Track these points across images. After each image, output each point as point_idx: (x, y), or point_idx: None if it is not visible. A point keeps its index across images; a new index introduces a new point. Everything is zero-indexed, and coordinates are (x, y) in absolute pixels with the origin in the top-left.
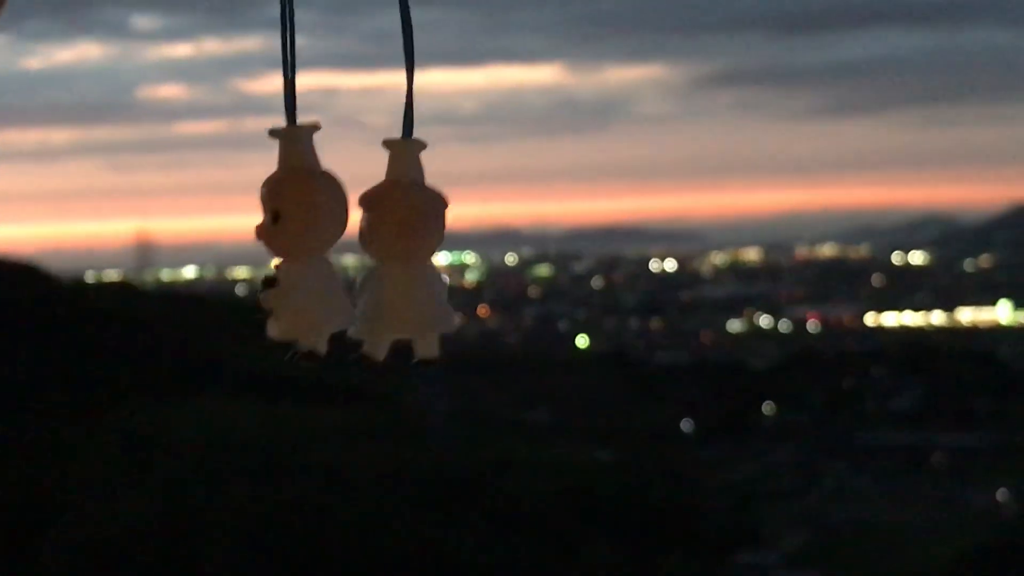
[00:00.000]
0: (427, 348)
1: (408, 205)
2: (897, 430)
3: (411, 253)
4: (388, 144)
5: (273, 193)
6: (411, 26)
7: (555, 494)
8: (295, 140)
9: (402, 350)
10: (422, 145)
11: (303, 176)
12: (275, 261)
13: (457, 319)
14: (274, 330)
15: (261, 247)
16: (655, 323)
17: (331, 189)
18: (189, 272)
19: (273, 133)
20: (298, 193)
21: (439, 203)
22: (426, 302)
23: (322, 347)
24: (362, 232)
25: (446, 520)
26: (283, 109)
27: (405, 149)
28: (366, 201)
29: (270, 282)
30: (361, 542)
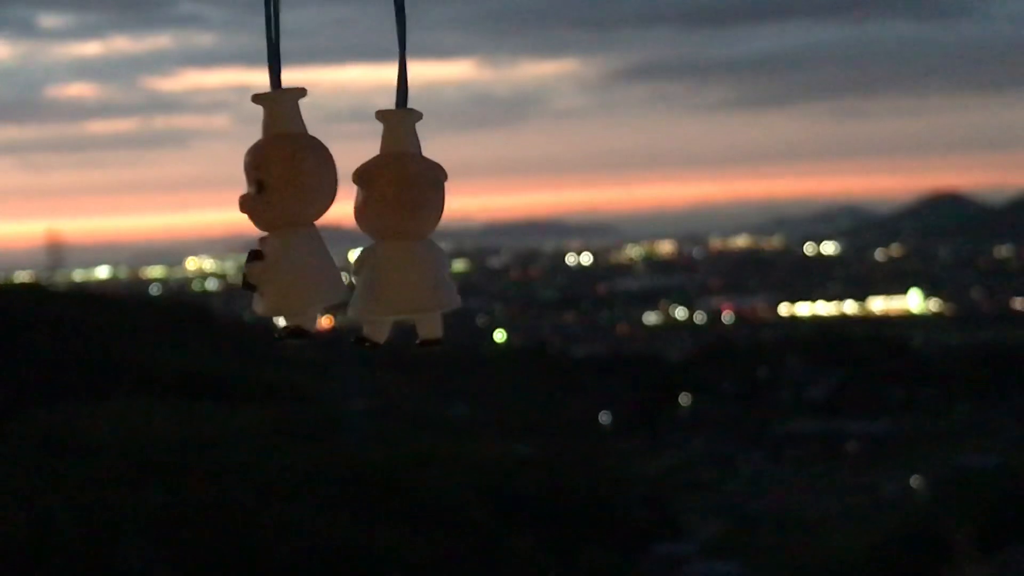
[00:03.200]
0: (430, 328)
1: (403, 179)
2: (812, 419)
3: (408, 229)
4: (381, 115)
5: (256, 161)
6: None
7: (474, 489)
8: (279, 105)
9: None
10: (417, 115)
11: (288, 142)
12: (261, 234)
13: (458, 297)
14: (260, 306)
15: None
16: (572, 316)
17: (318, 156)
18: (102, 272)
19: (257, 98)
20: (283, 160)
21: (436, 175)
22: (427, 280)
23: (311, 324)
24: (357, 208)
25: (365, 518)
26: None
27: (399, 120)
28: (360, 176)
29: (255, 255)
30: (279, 542)
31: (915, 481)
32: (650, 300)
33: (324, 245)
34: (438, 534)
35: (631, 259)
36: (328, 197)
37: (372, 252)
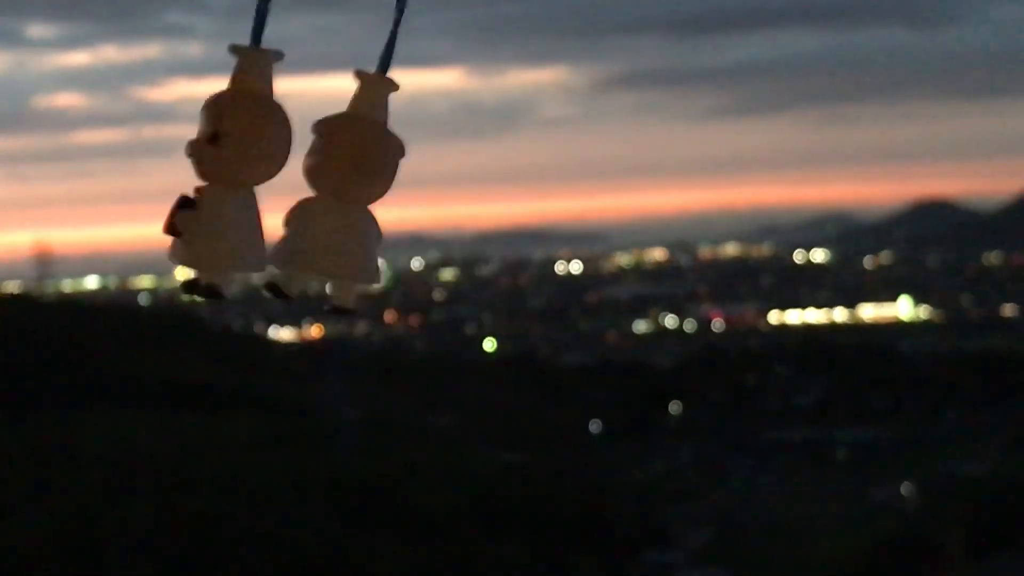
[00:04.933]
0: (344, 297)
1: (366, 143)
2: (800, 426)
3: (356, 194)
4: (360, 75)
5: (217, 111)
6: None
7: (463, 498)
8: (254, 63)
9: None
10: (394, 86)
11: (255, 101)
12: (199, 183)
13: (383, 277)
14: (179, 255)
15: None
16: (561, 325)
17: (281, 123)
18: (91, 282)
19: (234, 49)
20: (246, 118)
21: (397, 150)
22: (357, 249)
23: (227, 288)
24: (309, 160)
25: (354, 528)
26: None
27: (375, 84)
28: (322, 127)
29: (188, 203)
30: (267, 551)
31: (904, 488)
32: (639, 308)
33: (259, 212)
34: (427, 543)
35: (620, 267)
36: (278, 165)
37: (308, 206)
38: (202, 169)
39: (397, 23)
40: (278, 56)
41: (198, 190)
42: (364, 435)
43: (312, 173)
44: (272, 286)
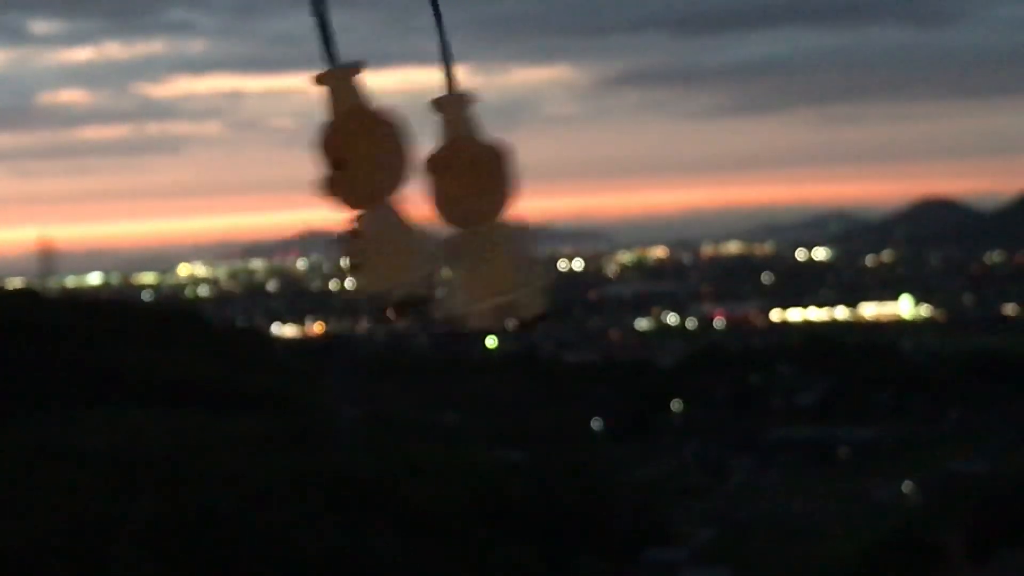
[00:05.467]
0: (531, 305)
1: (478, 164)
2: (803, 425)
3: (489, 212)
4: (438, 104)
5: (333, 140)
6: None
7: (466, 496)
8: (344, 81)
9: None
10: (473, 98)
11: (362, 117)
12: (348, 214)
13: (549, 271)
14: (363, 282)
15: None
16: (564, 323)
17: (393, 126)
18: (94, 279)
19: (320, 79)
20: (361, 135)
21: (506, 154)
22: (519, 259)
23: (425, 290)
24: (433, 197)
25: (356, 525)
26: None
27: (458, 105)
28: (433, 165)
29: (355, 234)
30: (270, 549)
31: (906, 486)
32: (641, 306)
33: (406, 215)
34: (429, 541)
35: (623, 265)
36: (407, 166)
37: (455, 241)
38: (342, 198)
39: (446, 44)
40: (360, 66)
41: (356, 219)
42: (366, 432)
43: (442, 208)
44: (459, 326)
